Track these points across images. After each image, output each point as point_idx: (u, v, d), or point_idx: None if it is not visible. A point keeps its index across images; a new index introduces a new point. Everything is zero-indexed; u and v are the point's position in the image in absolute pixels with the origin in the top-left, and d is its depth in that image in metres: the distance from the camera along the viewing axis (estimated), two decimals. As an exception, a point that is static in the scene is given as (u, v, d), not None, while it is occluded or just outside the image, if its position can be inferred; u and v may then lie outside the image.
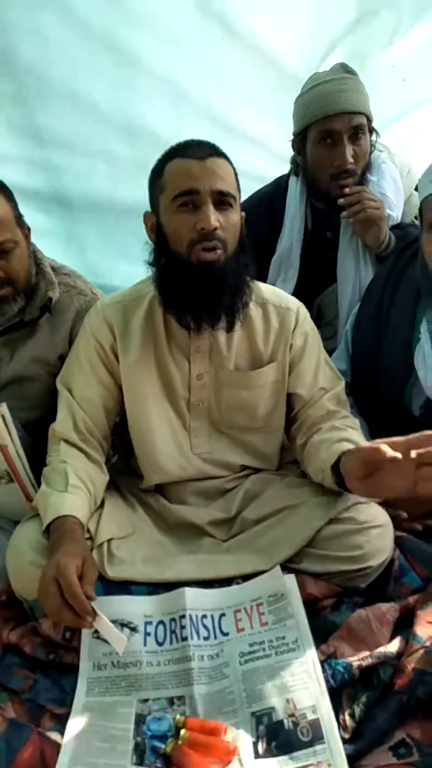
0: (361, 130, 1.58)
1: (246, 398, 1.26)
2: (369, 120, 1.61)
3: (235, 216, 1.15)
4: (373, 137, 1.65)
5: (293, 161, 1.72)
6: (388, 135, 1.89)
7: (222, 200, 1.12)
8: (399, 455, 0.93)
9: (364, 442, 1.15)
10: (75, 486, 1.12)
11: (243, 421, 1.28)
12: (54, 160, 1.99)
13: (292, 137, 1.67)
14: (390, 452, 0.93)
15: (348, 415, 1.28)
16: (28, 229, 1.36)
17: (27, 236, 1.35)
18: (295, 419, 1.31)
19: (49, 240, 1.70)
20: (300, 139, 1.64)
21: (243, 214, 1.20)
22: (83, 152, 2.00)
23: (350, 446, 1.10)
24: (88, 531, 1.14)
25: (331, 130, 1.56)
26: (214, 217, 1.10)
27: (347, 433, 1.18)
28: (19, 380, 1.38)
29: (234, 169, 1.17)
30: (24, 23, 1.72)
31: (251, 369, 1.26)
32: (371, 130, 1.64)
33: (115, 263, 2.11)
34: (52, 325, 1.40)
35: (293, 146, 1.68)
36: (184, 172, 1.11)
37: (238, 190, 1.17)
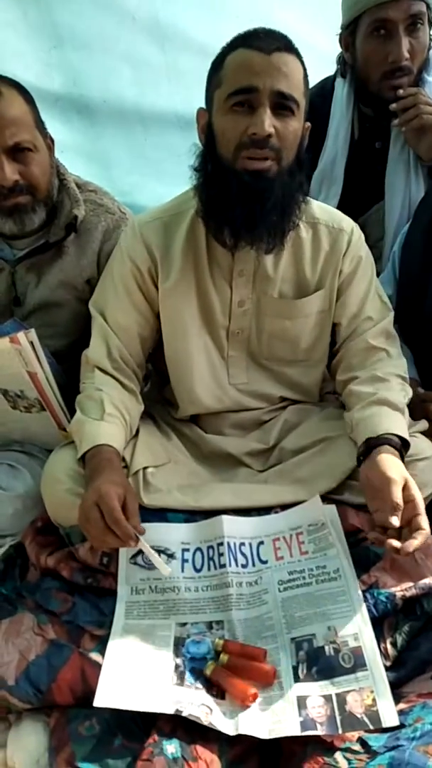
0: (420, 19, 1.40)
1: (288, 329, 1.19)
2: (429, 8, 1.42)
3: (296, 124, 1.02)
4: None
5: (340, 60, 1.54)
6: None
7: (282, 104, 0.99)
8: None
9: (400, 401, 1.10)
10: (111, 414, 1.09)
11: (284, 353, 1.22)
12: (74, 62, 1.82)
13: (339, 31, 1.49)
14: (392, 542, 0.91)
15: (392, 356, 1.19)
16: (52, 140, 1.27)
17: (50, 147, 1.26)
18: (336, 352, 1.23)
19: (70, 154, 1.57)
20: (349, 33, 1.46)
21: (308, 124, 1.07)
22: (106, 53, 1.83)
23: (380, 429, 1.03)
24: (123, 459, 1.12)
25: (385, 18, 1.38)
26: (270, 122, 0.98)
27: (383, 394, 1.09)
28: (46, 306, 1.33)
29: (305, 68, 1.03)
30: None
31: (296, 297, 1.17)
32: (431, 22, 1.44)
33: (145, 181, 1.96)
34: (79, 246, 1.32)
35: (341, 41, 1.50)
36: (244, 66, 0.98)
37: (306, 93, 1.03)
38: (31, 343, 1.16)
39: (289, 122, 1.00)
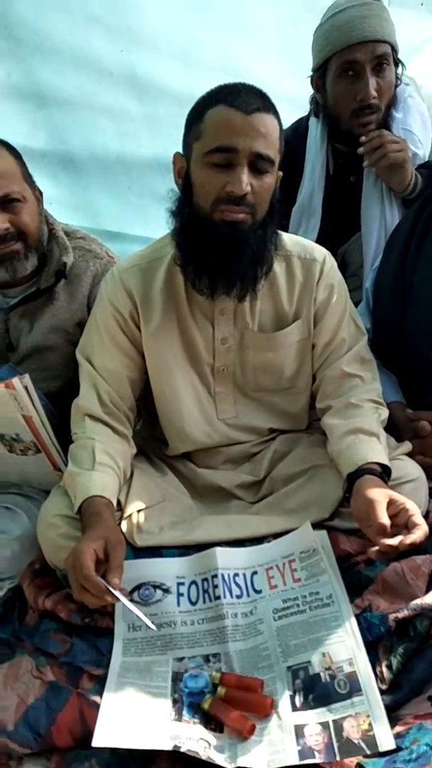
0: (386, 60, 1.47)
1: (272, 360, 1.22)
2: (394, 50, 1.50)
3: (270, 180, 1.06)
4: (399, 69, 1.54)
5: (313, 100, 1.62)
6: (411, 66, 1.76)
7: (260, 163, 1.03)
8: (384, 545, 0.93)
9: (374, 426, 1.12)
10: (102, 463, 1.10)
11: (269, 384, 1.24)
12: (57, 119, 1.93)
13: (310, 74, 1.57)
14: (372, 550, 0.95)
15: (366, 381, 1.20)
16: (40, 192, 1.34)
17: (39, 199, 1.32)
18: (314, 379, 1.26)
19: (58, 206, 1.65)
20: (320, 75, 1.54)
21: (280, 174, 1.11)
22: (88, 109, 1.94)
23: (358, 461, 1.05)
24: (119, 503, 1.13)
25: (352, 60, 1.45)
26: (247, 181, 1.02)
27: (356, 423, 1.11)
28: (39, 350, 1.38)
29: (280, 125, 1.07)
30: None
31: (276, 330, 1.20)
32: (396, 62, 1.52)
33: (131, 225, 2.05)
34: (69, 292, 1.38)
35: (312, 83, 1.58)
36: (225, 125, 1.01)
37: (281, 149, 1.08)
38: (26, 388, 1.19)
39: (265, 179, 1.05)
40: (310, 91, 1.61)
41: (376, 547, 0.93)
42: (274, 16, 1.92)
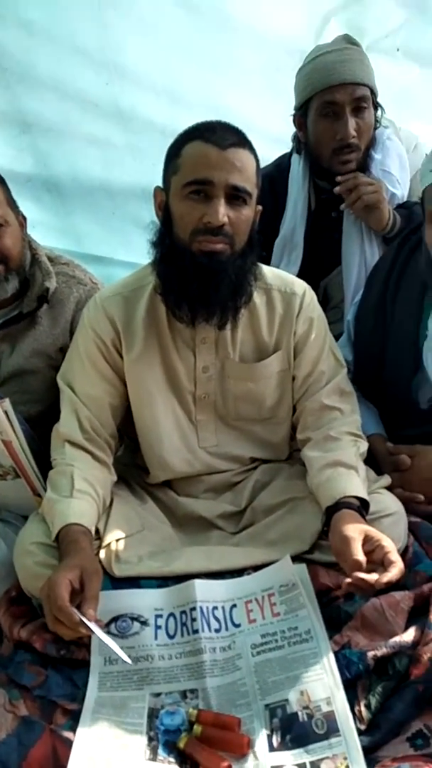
0: (365, 102, 1.53)
1: (252, 390, 1.23)
2: (373, 93, 1.56)
3: (248, 212, 1.09)
4: (378, 112, 1.60)
5: (295, 138, 1.67)
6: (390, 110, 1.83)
7: (236, 195, 1.06)
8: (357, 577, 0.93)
9: (353, 459, 1.13)
10: (80, 491, 1.09)
11: (250, 413, 1.25)
12: (42, 146, 1.94)
13: (293, 112, 1.61)
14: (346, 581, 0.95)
15: (345, 413, 1.22)
16: (24, 218, 1.35)
17: (22, 224, 1.33)
18: (294, 409, 1.27)
19: (42, 230, 1.66)
20: (301, 114, 1.59)
21: (259, 208, 1.14)
22: (72, 137, 1.96)
23: (336, 494, 1.06)
24: (97, 531, 1.12)
25: (333, 101, 1.51)
26: (223, 212, 1.05)
27: (335, 456, 1.13)
28: (20, 374, 1.37)
29: (257, 160, 1.11)
30: (5, 6, 1.68)
31: (256, 360, 1.22)
32: (375, 106, 1.58)
33: (115, 252, 2.06)
34: (52, 317, 1.38)
35: (294, 122, 1.63)
36: (200, 159, 1.05)
37: (258, 183, 1.11)
38: (6, 413, 1.18)
39: (242, 211, 1.08)
40: (292, 129, 1.66)
41: (349, 579, 0.93)
42: (258, 57, 1.97)
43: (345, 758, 0.81)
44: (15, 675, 0.98)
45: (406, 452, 1.26)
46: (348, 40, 1.57)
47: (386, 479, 1.21)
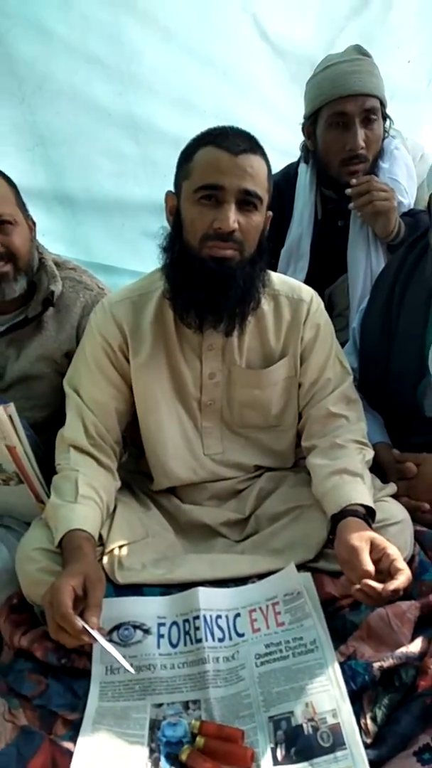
0: (374, 113, 1.54)
1: (258, 397, 1.22)
2: (383, 104, 1.57)
3: (258, 218, 1.08)
4: (387, 123, 1.60)
5: (303, 147, 1.68)
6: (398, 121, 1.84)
7: (247, 200, 1.06)
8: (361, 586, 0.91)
9: (358, 466, 1.12)
10: (85, 496, 1.08)
11: (256, 420, 1.24)
12: (55, 158, 1.95)
13: (302, 121, 1.62)
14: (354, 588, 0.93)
15: (351, 421, 1.21)
16: (33, 222, 1.35)
17: (31, 228, 1.34)
18: (300, 417, 1.26)
19: (52, 238, 1.66)
20: (310, 123, 1.60)
21: (269, 214, 1.14)
22: (86, 149, 1.97)
23: (342, 502, 1.05)
24: (101, 537, 1.11)
25: (342, 112, 1.51)
26: (234, 218, 1.04)
27: (341, 463, 1.12)
28: (25, 379, 1.37)
29: (268, 166, 1.11)
30: (22, 16, 1.70)
31: (263, 367, 1.21)
32: (384, 116, 1.59)
33: (123, 260, 2.07)
34: (58, 321, 1.38)
35: (303, 131, 1.64)
36: (212, 164, 1.05)
37: (269, 189, 1.11)
38: (10, 417, 1.18)
39: (252, 217, 1.07)
40: (302, 141, 1.67)
41: (358, 586, 0.91)
42: (271, 68, 2.00)
43: (351, 772, 0.79)
44: (15, 684, 0.97)
45: (412, 460, 1.25)
46: (359, 51, 1.58)
47: (392, 487, 1.19)
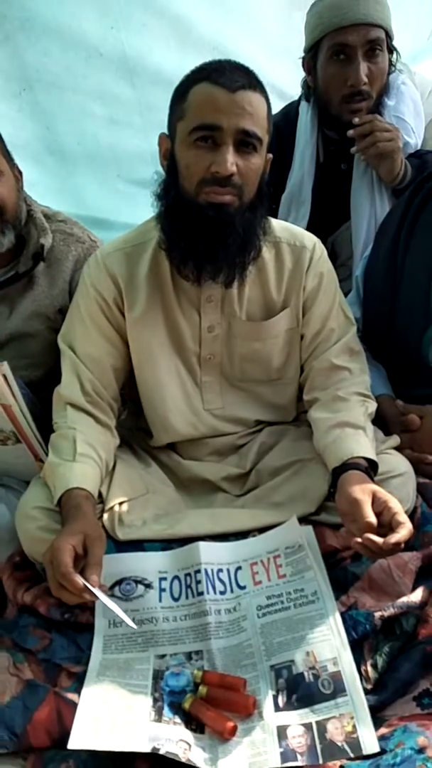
0: (379, 45, 1.43)
1: (259, 350, 1.19)
2: (389, 36, 1.46)
3: (258, 160, 1.02)
4: (393, 56, 1.50)
5: (304, 84, 1.58)
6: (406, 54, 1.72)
7: (246, 141, 0.99)
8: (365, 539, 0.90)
9: (360, 419, 1.10)
10: (83, 454, 1.07)
11: (257, 374, 1.21)
12: (43, 103, 1.83)
13: (302, 55, 1.52)
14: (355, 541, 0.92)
15: (354, 373, 1.18)
16: (20, 171, 1.29)
17: (17, 178, 1.27)
18: (302, 369, 1.23)
19: (42, 190, 1.58)
20: (311, 56, 1.50)
21: (269, 156, 1.08)
22: (76, 92, 1.85)
23: (344, 455, 1.03)
24: (100, 495, 1.10)
25: (344, 43, 1.41)
26: (232, 161, 0.98)
27: (343, 416, 1.09)
28: (19, 337, 1.33)
29: (268, 103, 1.04)
30: None
31: (264, 318, 1.17)
32: (390, 49, 1.48)
33: (120, 218, 1.97)
34: (50, 276, 1.33)
35: (304, 65, 1.54)
36: (208, 103, 0.98)
37: (269, 129, 1.04)
38: (4, 376, 1.15)
39: (252, 159, 1.01)
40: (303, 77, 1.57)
41: (359, 539, 0.91)
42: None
43: (351, 717, 0.80)
44: (19, 639, 0.98)
45: (416, 412, 1.23)
46: None
47: (395, 439, 1.17)
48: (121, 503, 1.11)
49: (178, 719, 0.85)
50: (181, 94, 1.03)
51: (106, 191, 2.04)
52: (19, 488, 1.26)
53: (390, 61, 1.50)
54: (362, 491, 0.95)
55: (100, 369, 1.16)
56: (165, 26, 1.87)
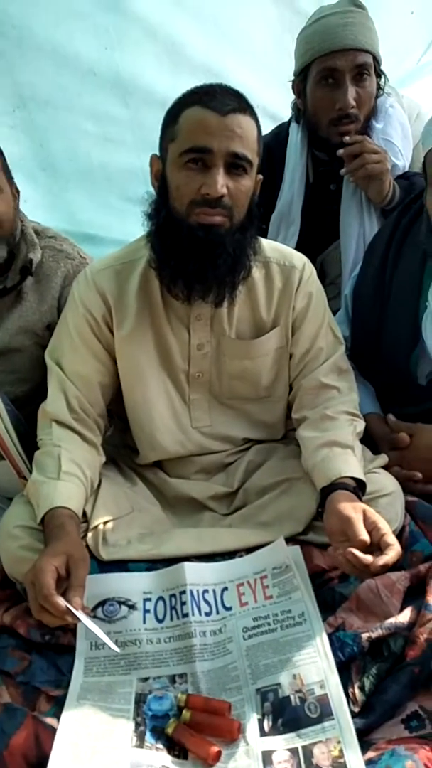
0: (366, 70, 1.46)
1: (249, 368, 1.18)
2: (376, 60, 1.49)
3: (248, 182, 1.03)
4: (381, 80, 1.52)
5: (294, 106, 1.60)
6: (395, 78, 1.75)
7: (236, 163, 1.00)
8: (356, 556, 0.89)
9: (349, 438, 1.10)
10: (67, 472, 1.05)
11: (246, 392, 1.21)
12: (37, 121, 1.85)
13: (292, 78, 1.55)
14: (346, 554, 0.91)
15: (343, 392, 1.18)
16: (17, 190, 1.30)
17: (15, 196, 1.28)
18: (290, 388, 1.23)
19: (33, 205, 1.58)
20: (300, 80, 1.52)
21: (260, 177, 1.09)
22: (70, 111, 1.87)
23: (332, 475, 1.03)
24: (84, 514, 1.08)
25: (332, 68, 1.44)
26: (222, 183, 0.99)
27: (331, 435, 1.09)
28: (5, 352, 1.33)
29: (258, 126, 1.05)
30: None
31: (253, 337, 1.17)
32: (378, 73, 1.51)
33: (111, 234, 1.98)
34: (39, 292, 1.33)
35: (293, 88, 1.56)
36: (199, 126, 0.99)
37: (259, 152, 1.06)
38: (-11, 391, 1.15)
39: (242, 181, 1.02)
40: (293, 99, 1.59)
41: (341, 551, 0.90)
42: (264, 20, 1.89)
43: (338, 742, 0.78)
44: (-2, 660, 0.96)
45: (405, 430, 1.23)
46: (353, 2, 1.49)
47: (383, 458, 1.17)
48: (105, 522, 1.10)
49: (160, 745, 0.82)
50: (172, 116, 1.04)
51: (97, 207, 2.05)
52: (2, 505, 1.24)
53: (378, 84, 1.53)
54: (354, 509, 0.94)
55: (87, 386, 1.15)
56: (158, 48, 1.90)
